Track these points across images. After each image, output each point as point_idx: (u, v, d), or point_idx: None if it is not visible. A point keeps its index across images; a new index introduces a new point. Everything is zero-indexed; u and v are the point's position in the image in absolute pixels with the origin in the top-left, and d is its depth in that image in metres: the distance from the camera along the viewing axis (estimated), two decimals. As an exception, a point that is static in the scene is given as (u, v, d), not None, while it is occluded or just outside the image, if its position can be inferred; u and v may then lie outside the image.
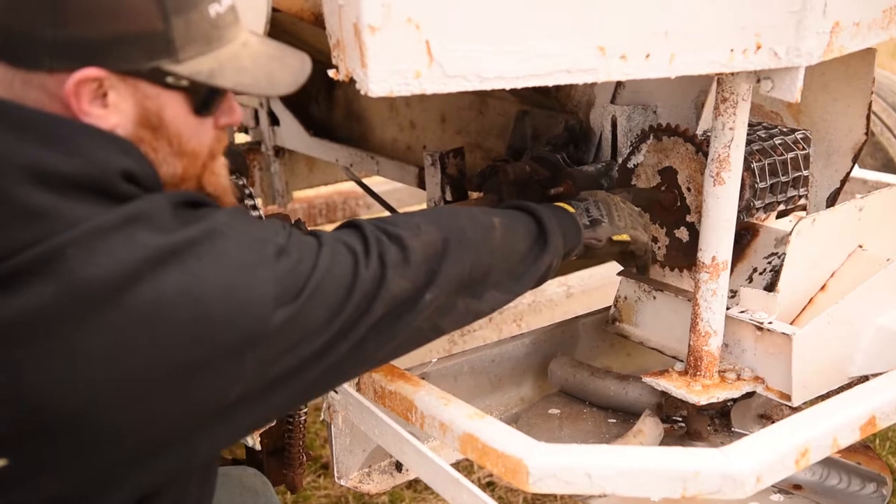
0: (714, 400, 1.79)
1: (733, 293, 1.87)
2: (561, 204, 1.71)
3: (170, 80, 1.28)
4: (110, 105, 1.26)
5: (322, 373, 1.33)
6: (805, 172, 1.95)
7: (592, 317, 2.32)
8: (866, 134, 2.05)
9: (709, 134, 1.74)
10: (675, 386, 1.81)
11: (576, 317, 2.35)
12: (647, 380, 1.87)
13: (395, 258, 1.39)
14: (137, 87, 1.27)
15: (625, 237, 1.75)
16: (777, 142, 1.94)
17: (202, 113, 1.34)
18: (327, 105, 3.24)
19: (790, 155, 1.93)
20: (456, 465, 1.60)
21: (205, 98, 1.33)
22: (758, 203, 1.90)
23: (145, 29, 1.24)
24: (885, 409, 1.63)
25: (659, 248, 1.98)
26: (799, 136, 1.97)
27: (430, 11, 1.24)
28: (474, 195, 2.57)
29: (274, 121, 3.34)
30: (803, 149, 1.95)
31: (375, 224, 1.45)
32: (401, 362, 2.00)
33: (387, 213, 2.93)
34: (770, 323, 1.79)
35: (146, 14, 1.23)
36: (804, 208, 2.10)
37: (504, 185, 2.15)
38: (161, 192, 1.30)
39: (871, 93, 2.01)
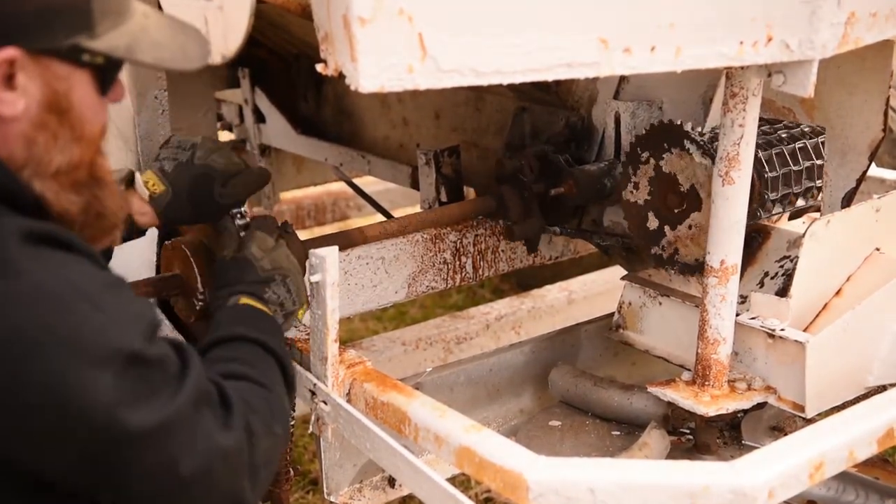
0: (723, 411, 1.79)
1: (743, 299, 1.87)
2: (259, 306, 1.69)
3: (86, 57, 1.26)
4: (18, 88, 1.23)
5: None
6: (819, 172, 1.95)
7: (595, 324, 2.32)
8: (884, 130, 2.05)
9: (717, 131, 1.74)
10: (682, 396, 1.81)
11: (578, 324, 2.35)
12: (653, 390, 1.87)
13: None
14: (49, 68, 1.25)
15: (302, 312, 1.80)
16: (785, 137, 1.94)
17: (105, 92, 1.33)
18: (316, 101, 3.24)
19: (801, 151, 1.93)
20: (452, 481, 1.60)
21: (110, 76, 1.32)
22: (772, 195, 1.90)
23: (65, 2, 1.22)
24: (903, 421, 1.63)
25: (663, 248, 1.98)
26: (811, 132, 1.97)
27: (423, 2, 1.24)
28: (471, 195, 2.57)
29: (259, 118, 3.34)
30: (816, 147, 1.95)
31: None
32: (394, 372, 2.00)
33: (379, 215, 2.93)
34: (782, 330, 1.79)
35: None
36: (818, 209, 2.10)
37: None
38: (13, 217, 1.25)
39: (889, 87, 2.01)
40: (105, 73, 1.31)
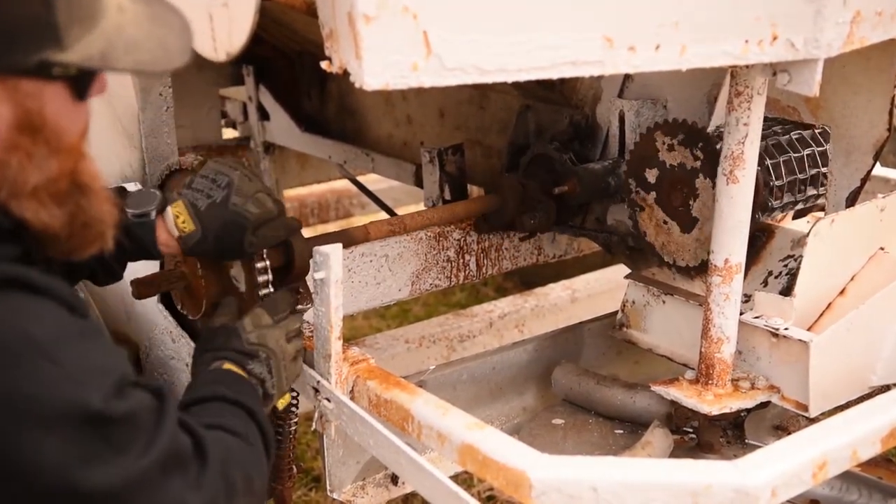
0: (727, 410, 1.79)
1: (747, 298, 1.87)
2: (243, 375, 1.65)
3: (57, 70, 1.19)
4: None
5: None
6: (823, 169, 1.95)
7: (598, 322, 2.32)
8: (888, 130, 2.04)
9: (721, 130, 1.73)
10: (685, 395, 1.81)
11: (581, 322, 2.36)
12: (656, 388, 1.87)
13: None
14: (17, 88, 1.18)
15: (282, 402, 1.78)
16: (794, 138, 1.94)
17: (83, 97, 1.27)
18: (320, 99, 3.24)
19: (807, 152, 1.93)
20: (455, 478, 1.60)
21: (86, 82, 1.25)
22: (775, 203, 1.90)
23: (26, 17, 1.14)
24: (907, 421, 1.63)
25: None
26: (817, 132, 1.97)
27: (428, 0, 1.24)
28: (474, 193, 2.57)
29: (264, 115, 3.34)
30: (821, 146, 1.95)
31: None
32: (398, 370, 2.00)
33: (383, 213, 2.93)
34: (786, 329, 1.79)
35: None
36: (822, 208, 2.10)
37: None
38: None
39: (894, 86, 2.01)
40: (80, 80, 1.24)
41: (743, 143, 1.66)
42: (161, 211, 1.77)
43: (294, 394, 1.92)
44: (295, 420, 2.07)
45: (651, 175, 1.95)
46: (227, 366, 1.64)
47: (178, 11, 1.32)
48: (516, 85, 2.23)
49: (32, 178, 1.23)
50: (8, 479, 1.16)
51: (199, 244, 1.75)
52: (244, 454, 1.47)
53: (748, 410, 1.88)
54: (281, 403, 1.79)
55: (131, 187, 1.94)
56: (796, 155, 1.91)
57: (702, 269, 1.89)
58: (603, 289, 3.37)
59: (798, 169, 1.91)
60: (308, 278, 1.85)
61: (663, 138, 1.91)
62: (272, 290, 1.83)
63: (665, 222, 1.95)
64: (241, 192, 1.75)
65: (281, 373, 1.71)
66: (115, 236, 1.40)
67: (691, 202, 1.89)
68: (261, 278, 1.82)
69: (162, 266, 2.01)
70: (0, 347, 1.14)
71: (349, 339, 2.13)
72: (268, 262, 1.82)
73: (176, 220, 1.74)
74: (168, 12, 1.31)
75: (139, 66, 1.26)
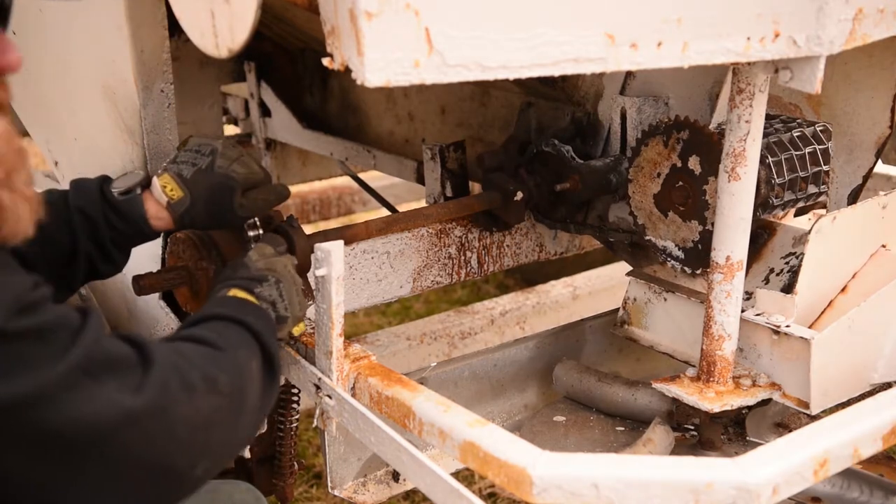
0: (728, 407, 1.79)
1: (749, 295, 1.87)
2: (248, 298, 1.64)
3: None
4: None
5: None
6: (825, 168, 1.95)
7: (600, 319, 2.32)
8: (891, 127, 2.05)
9: (723, 127, 1.73)
10: (686, 392, 1.81)
11: (582, 319, 2.35)
12: (658, 386, 1.87)
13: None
14: None
15: (298, 328, 1.77)
16: (796, 135, 1.94)
17: None
18: (321, 95, 3.24)
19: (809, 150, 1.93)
20: (456, 475, 1.60)
21: None
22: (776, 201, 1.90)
23: None
24: (908, 418, 1.63)
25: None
26: (819, 129, 1.97)
27: (430, -3, 1.24)
28: (476, 190, 2.57)
29: (265, 112, 3.34)
30: (823, 143, 1.95)
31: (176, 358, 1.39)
32: (399, 367, 2.00)
33: (384, 210, 2.93)
34: (787, 327, 1.79)
35: None
36: (824, 206, 2.10)
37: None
38: None
39: (896, 84, 2.01)
40: None
41: (745, 140, 1.66)
42: (147, 186, 1.80)
43: (295, 390, 1.93)
44: (296, 417, 2.07)
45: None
46: (233, 292, 1.65)
47: None
48: (518, 82, 2.23)
49: None
50: None
51: (189, 211, 1.78)
52: (205, 356, 1.45)
53: (749, 408, 1.88)
54: (297, 330, 1.78)
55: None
56: (797, 153, 1.91)
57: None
58: (604, 286, 3.38)
59: (799, 167, 1.91)
60: (309, 275, 1.85)
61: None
62: None
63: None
64: (226, 157, 1.79)
65: (293, 295, 1.71)
66: (41, 215, 1.37)
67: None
68: (251, 233, 1.85)
69: (163, 263, 2.01)
70: None
71: (350, 336, 2.13)
72: (260, 231, 1.84)
73: (164, 190, 1.78)
74: None
75: None
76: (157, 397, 1.33)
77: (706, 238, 1.88)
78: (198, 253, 1.90)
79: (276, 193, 1.86)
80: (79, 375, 1.26)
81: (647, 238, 1.99)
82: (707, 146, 1.82)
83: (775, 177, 1.87)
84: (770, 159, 1.87)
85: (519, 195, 2.18)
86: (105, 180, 1.83)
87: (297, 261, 1.82)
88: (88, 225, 1.77)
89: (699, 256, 1.92)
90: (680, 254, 1.95)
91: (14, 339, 1.22)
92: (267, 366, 1.57)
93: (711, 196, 1.84)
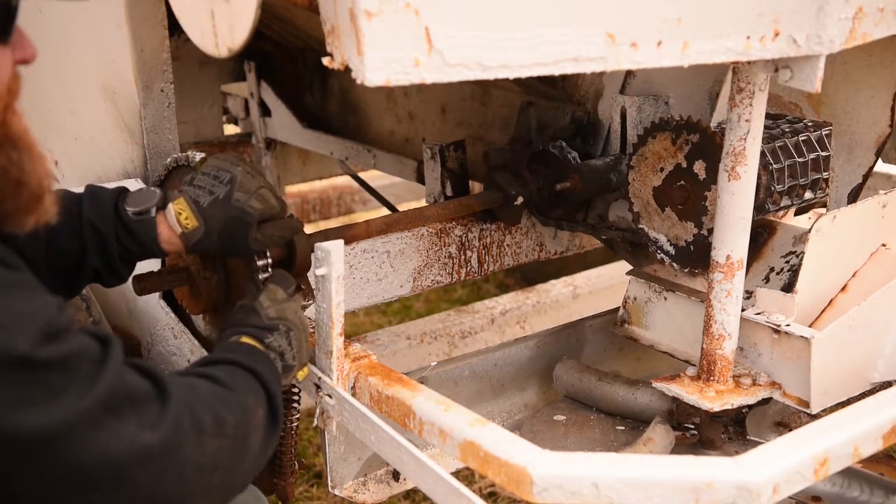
0: (728, 406, 1.79)
1: (749, 294, 1.87)
2: (259, 346, 1.65)
3: None
4: None
5: None
6: (824, 175, 1.95)
7: (600, 319, 2.32)
8: (891, 126, 2.05)
9: (723, 126, 1.73)
10: (687, 392, 1.81)
11: (582, 319, 2.35)
12: (658, 385, 1.87)
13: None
14: None
15: (302, 373, 1.77)
16: (801, 139, 1.94)
17: (5, 39, 1.27)
18: (321, 95, 3.24)
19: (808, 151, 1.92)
20: (456, 475, 1.60)
21: (6, 18, 1.25)
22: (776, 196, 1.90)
23: None
24: (908, 417, 1.63)
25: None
26: (825, 133, 1.96)
27: (429, -4, 1.24)
28: (476, 190, 2.57)
29: (265, 111, 3.34)
30: (826, 150, 1.94)
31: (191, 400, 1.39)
32: (399, 366, 2.00)
33: (384, 209, 2.93)
34: (788, 326, 1.79)
35: None
36: (824, 205, 2.10)
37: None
38: None
39: (896, 83, 2.01)
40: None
41: (745, 139, 1.66)
42: (162, 208, 1.76)
43: (296, 390, 1.92)
44: (297, 416, 2.07)
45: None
46: (244, 339, 1.65)
47: None
48: (518, 81, 2.22)
49: None
50: None
51: (203, 241, 1.74)
52: (217, 397, 1.46)
53: (749, 407, 1.88)
54: (301, 375, 1.78)
55: (133, 186, 1.94)
56: (798, 157, 1.91)
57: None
58: (604, 285, 3.38)
59: (800, 174, 1.91)
60: (309, 274, 1.85)
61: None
62: None
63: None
64: (244, 188, 1.74)
65: (302, 343, 1.71)
66: (57, 211, 1.38)
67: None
68: (263, 275, 1.82)
69: (164, 263, 2.01)
70: None
71: (351, 336, 2.13)
72: (270, 260, 1.82)
73: (178, 217, 1.73)
74: None
75: None
76: (170, 434, 1.33)
77: (700, 240, 1.89)
78: (202, 261, 1.90)
79: (290, 229, 1.83)
80: (103, 411, 1.26)
81: (640, 227, 1.99)
82: (715, 154, 1.82)
83: (776, 184, 1.87)
84: (773, 166, 1.86)
85: (519, 200, 2.18)
86: (121, 194, 1.79)
87: (305, 299, 1.82)
88: (99, 240, 1.74)
89: (690, 257, 1.92)
90: (671, 249, 1.95)
91: (41, 368, 1.21)
92: (271, 415, 1.57)
93: (711, 204, 1.84)
